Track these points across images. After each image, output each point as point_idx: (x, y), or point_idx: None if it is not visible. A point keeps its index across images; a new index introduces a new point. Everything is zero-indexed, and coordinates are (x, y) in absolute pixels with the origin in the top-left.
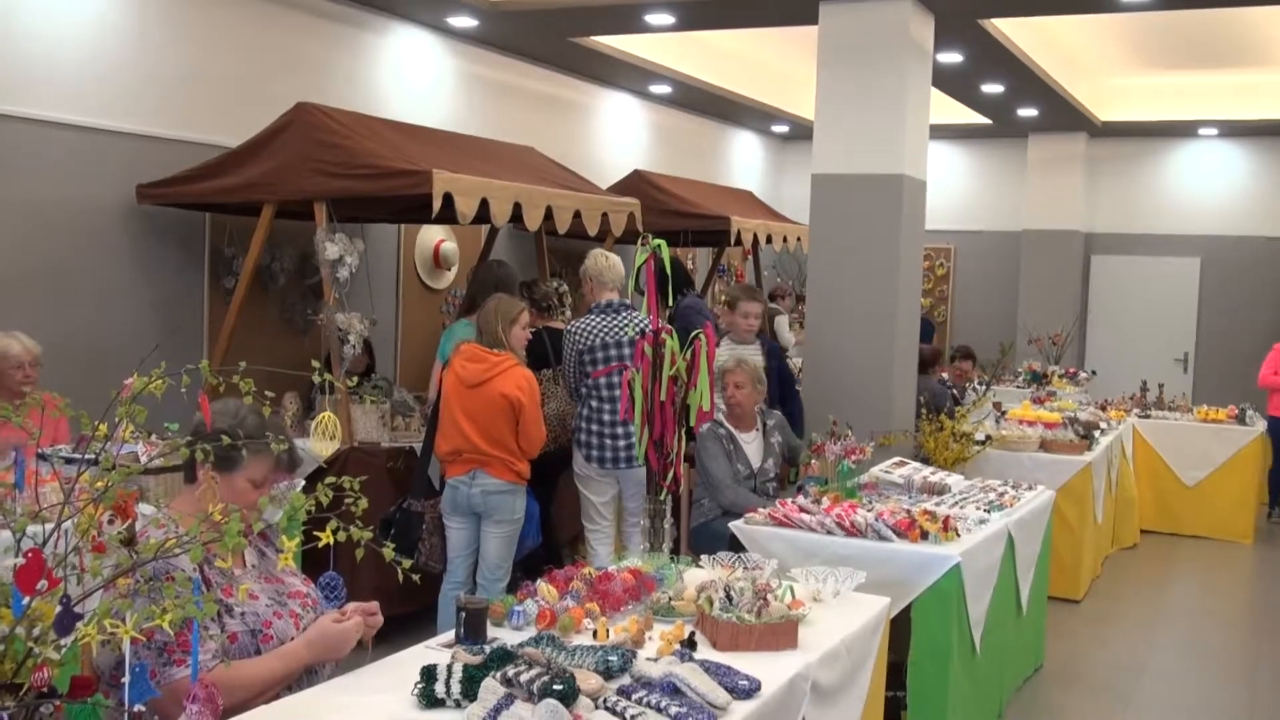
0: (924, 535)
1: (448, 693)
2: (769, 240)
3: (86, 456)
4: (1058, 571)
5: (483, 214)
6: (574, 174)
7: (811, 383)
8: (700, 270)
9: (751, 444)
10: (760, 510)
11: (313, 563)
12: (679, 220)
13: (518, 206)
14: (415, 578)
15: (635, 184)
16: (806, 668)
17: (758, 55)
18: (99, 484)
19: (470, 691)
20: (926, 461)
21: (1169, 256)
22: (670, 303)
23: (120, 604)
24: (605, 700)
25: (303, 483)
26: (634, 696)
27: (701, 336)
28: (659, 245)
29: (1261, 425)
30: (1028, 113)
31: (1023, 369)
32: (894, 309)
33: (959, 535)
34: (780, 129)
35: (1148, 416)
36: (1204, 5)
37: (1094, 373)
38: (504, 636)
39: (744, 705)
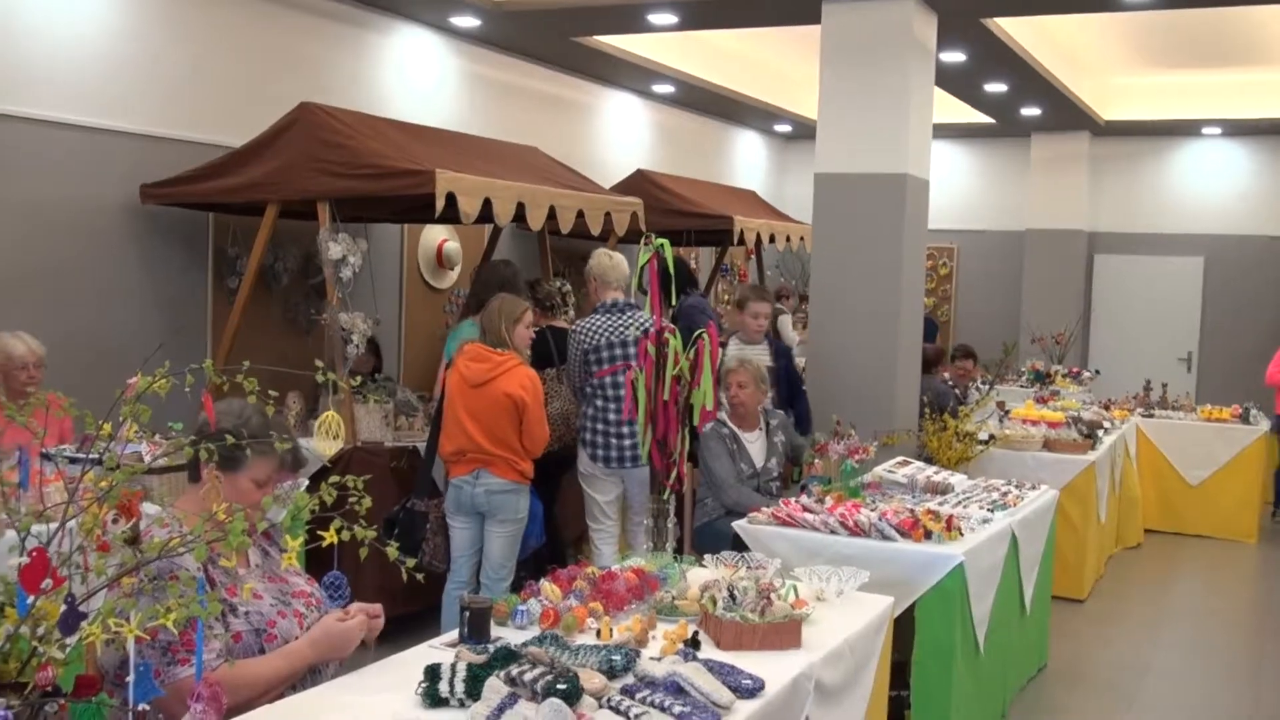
0: (927, 535)
1: (451, 692)
2: (772, 240)
3: (91, 456)
4: (1061, 571)
5: (486, 214)
6: (577, 174)
7: (815, 382)
8: (703, 270)
9: (755, 443)
10: (764, 510)
11: (317, 562)
12: (682, 220)
13: (521, 206)
14: (419, 577)
15: (638, 183)
16: (810, 667)
17: (761, 55)
18: (103, 483)
19: (474, 691)
20: (930, 461)
21: (1172, 256)
22: (673, 302)
23: (124, 603)
24: (609, 699)
25: (306, 482)
26: (638, 696)
27: (705, 336)
28: (662, 245)
29: (1265, 425)
30: (1031, 112)
31: (1026, 368)
32: (897, 308)
33: (962, 535)
34: (783, 128)
35: (1151, 416)
36: (1207, 4)
37: (1097, 372)
38: (508, 636)
39: (747, 704)
